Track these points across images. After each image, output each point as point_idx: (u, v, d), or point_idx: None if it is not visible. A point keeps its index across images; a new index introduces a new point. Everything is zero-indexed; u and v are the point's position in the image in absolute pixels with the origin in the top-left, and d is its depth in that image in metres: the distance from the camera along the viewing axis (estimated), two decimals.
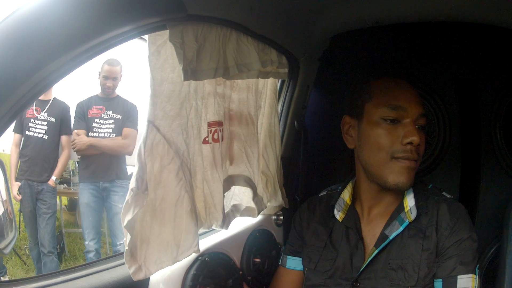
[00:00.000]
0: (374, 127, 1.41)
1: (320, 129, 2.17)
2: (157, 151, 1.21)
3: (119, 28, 0.93)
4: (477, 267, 1.36)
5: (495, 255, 2.06)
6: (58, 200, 4.75)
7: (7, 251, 3.39)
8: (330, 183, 1.70)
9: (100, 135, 3.99)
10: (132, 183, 1.16)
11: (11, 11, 0.78)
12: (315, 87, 1.98)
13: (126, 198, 1.15)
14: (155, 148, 1.21)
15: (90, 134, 3.98)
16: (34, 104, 4.02)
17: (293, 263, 1.64)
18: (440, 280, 1.36)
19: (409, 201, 1.43)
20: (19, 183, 4.06)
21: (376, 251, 1.41)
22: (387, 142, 1.38)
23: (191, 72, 1.15)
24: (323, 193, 1.68)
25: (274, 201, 1.78)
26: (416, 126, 1.38)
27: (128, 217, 1.15)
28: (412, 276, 1.36)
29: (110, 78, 4.01)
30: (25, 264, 4.66)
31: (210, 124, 1.39)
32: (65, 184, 4.94)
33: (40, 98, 3.99)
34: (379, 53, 2.13)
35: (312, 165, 2.03)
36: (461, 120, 2.18)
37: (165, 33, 1.11)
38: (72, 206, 5.56)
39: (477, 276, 1.35)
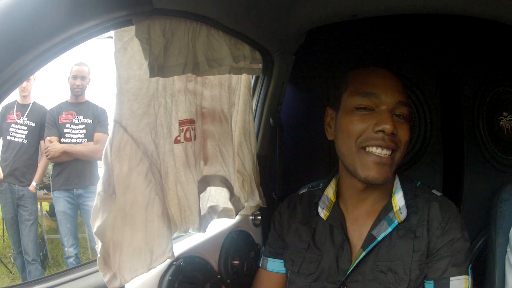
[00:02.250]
0: (348, 115, 1.35)
1: (297, 125, 2.14)
2: (125, 152, 1.15)
3: (83, 23, 0.88)
4: (469, 267, 1.33)
5: (482, 247, 2.05)
6: (39, 206, 4.68)
7: None
8: (307, 180, 1.66)
9: (73, 140, 4.00)
10: (99, 187, 1.11)
11: None
12: (291, 82, 1.95)
13: (94, 203, 1.10)
14: (123, 149, 1.15)
15: (63, 140, 3.99)
16: (15, 108, 4.07)
17: (274, 266, 1.59)
18: (432, 281, 1.32)
19: (398, 201, 1.38)
20: None
21: (364, 253, 1.36)
22: (357, 129, 1.31)
23: (158, 68, 1.10)
24: (303, 190, 1.62)
25: (251, 201, 1.73)
26: (396, 114, 1.32)
27: (98, 222, 1.10)
28: (403, 279, 1.32)
29: (78, 77, 4.06)
30: (11, 272, 4.60)
31: (181, 123, 1.34)
32: (45, 190, 4.87)
33: (20, 102, 4.10)
34: (357, 47, 2.11)
35: (288, 163, 2.00)
36: (442, 113, 2.17)
37: (132, 29, 1.06)
38: (54, 211, 5.48)
39: (469, 276, 1.32)
